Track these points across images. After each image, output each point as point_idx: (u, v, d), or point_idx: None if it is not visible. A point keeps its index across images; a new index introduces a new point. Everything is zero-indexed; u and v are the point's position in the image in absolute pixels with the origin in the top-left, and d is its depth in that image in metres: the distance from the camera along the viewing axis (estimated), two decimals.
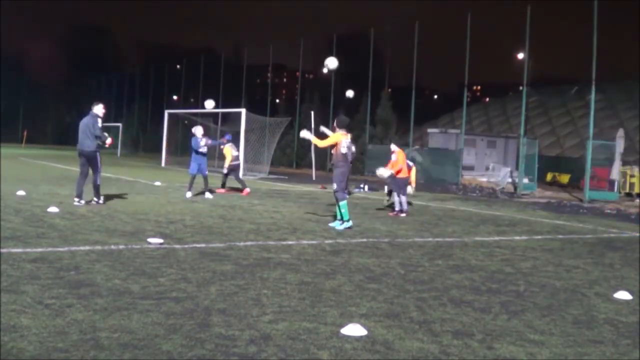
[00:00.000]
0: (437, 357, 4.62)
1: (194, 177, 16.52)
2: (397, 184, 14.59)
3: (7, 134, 67.51)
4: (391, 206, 15.14)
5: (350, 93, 15.25)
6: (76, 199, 13.10)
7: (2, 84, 74.94)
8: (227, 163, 18.05)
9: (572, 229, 14.10)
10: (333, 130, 12.02)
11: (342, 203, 11.57)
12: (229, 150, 18.13)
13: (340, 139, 11.64)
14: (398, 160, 14.48)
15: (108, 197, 15.23)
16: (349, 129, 11.98)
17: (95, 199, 13.31)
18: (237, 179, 18.61)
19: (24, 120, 75.93)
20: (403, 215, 14.31)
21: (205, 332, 4.89)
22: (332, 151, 11.89)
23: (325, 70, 12.83)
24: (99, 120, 13.08)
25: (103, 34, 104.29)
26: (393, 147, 14.77)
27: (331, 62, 12.84)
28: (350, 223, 11.60)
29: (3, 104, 75.11)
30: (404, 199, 14.52)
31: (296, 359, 4.42)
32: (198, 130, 16.48)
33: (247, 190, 18.08)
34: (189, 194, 16.26)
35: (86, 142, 13.01)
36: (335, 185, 11.70)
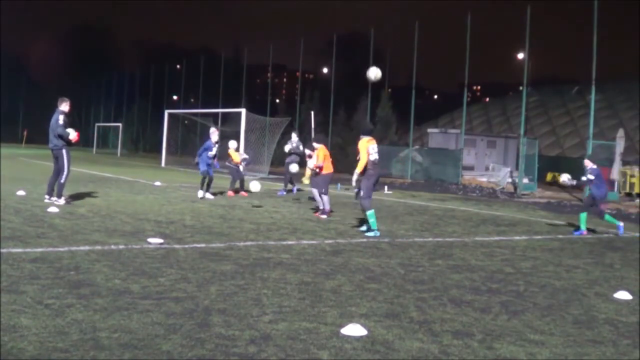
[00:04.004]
0: (437, 357, 4.62)
1: (204, 177, 16.26)
2: (317, 182, 13.67)
3: (7, 133, 67.51)
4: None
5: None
6: (46, 196, 13.17)
7: (2, 84, 74.94)
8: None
9: (572, 229, 14.09)
10: (358, 140, 11.52)
11: (370, 212, 11.03)
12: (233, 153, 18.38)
13: (368, 146, 11.15)
14: (319, 157, 13.61)
15: (108, 198, 15.24)
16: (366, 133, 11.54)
17: (55, 197, 13.03)
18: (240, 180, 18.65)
19: (24, 120, 75.91)
20: (324, 216, 13.29)
21: (205, 332, 4.89)
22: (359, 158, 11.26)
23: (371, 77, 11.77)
24: (61, 117, 12.94)
25: (103, 34, 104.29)
26: (315, 144, 13.99)
27: (373, 72, 11.84)
28: (378, 233, 10.95)
29: (3, 104, 75.13)
30: (325, 198, 13.47)
31: (296, 359, 4.42)
32: (214, 136, 16.46)
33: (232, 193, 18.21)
34: (200, 193, 16.15)
35: (53, 139, 13.06)
36: (362, 193, 11.09)
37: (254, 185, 14.92)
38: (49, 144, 13.20)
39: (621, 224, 13.19)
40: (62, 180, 13.06)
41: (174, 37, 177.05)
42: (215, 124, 42.16)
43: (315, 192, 13.76)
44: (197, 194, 16.45)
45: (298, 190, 19.82)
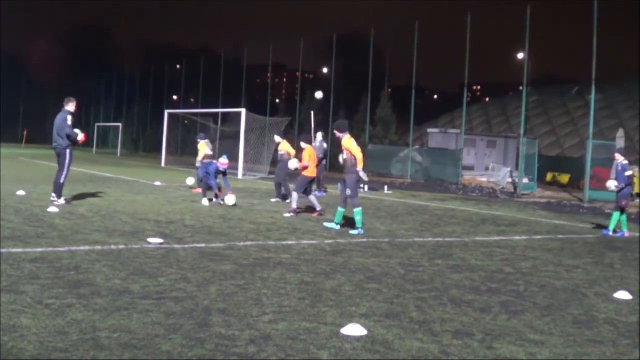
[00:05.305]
0: (437, 357, 4.62)
1: (207, 184, 15.44)
2: (301, 182, 13.29)
3: (7, 134, 67.55)
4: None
5: (319, 94, 15.07)
6: (53, 194, 13.13)
7: (2, 84, 74.97)
8: (199, 157, 18.36)
9: (572, 229, 14.10)
10: (336, 137, 11.72)
11: (359, 210, 11.18)
12: (204, 146, 18.45)
13: (353, 142, 11.32)
14: (304, 158, 13.58)
15: (108, 198, 15.24)
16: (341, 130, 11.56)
17: (54, 194, 13.00)
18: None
19: (24, 120, 75.97)
20: (288, 215, 13.19)
21: (205, 332, 4.89)
22: (345, 157, 11.34)
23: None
24: (69, 118, 12.91)
25: (103, 34, 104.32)
26: (303, 144, 13.95)
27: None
28: (362, 231, 11.11)
29: (3, 104, 75.16)
30: (295, 196, 13.29)
31: (296, 359, 4.42)
32: (222, 167, 15.12)
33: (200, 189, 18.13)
34: (205, 201, 15.14)
35: (57, 139, 13.03)
36: (350, 192, 11.22)
37: (230, 199, 14.45)
38: (53, 143, 13.18)
39: (610, 232, 12.85)
40: (61, 181, 13.03)
41: (174, 37, 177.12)
42: (216, 124, 42.17)
43: (294, 193, 13.43)
44: (201, 201, 15.10)
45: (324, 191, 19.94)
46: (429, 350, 4.75)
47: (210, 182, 15.05)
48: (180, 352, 4.41)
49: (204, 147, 18.44)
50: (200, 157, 18.34)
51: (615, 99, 40.10)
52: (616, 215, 12.91)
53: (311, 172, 13.49)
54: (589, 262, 9.35)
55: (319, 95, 14.48)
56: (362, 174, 11.39)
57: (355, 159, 11.21)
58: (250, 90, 60.97)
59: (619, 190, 12.91)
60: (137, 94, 68.10)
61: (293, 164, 14.16)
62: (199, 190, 17.66)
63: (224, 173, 15.15)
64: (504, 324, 5.61)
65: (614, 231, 13.00)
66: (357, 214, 11.20)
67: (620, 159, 13.06)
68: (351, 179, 11.29)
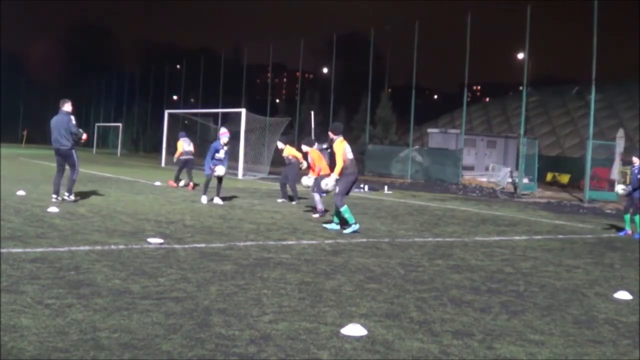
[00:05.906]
0: (437, 357, 4.62)
1: (208, 181, 15.37)
2: (319, 182, 13.07)
3: (7, 134, 67.56)
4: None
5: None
6: (54, 196, 13.26)
7: (2, 84, 74.98)
8: (177, 154, 20.28)
9: (572, 229, 14.10)
10: (330, 140, 11.85)
11: (344, 209, 11.19)
12: (180, 144, 20.01)
13: (344, 146, 11.41)
14: (314, 161, 13.74)
15: (108, 198, 15.24)
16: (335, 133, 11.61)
17: (66, 194, 13.31)
18: (188, 172, 20.00)
19: (24, 120, 75.98)
20: (316, 215, 13.34)
21: (205, 332, 4.89)
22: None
23: None
24: (72, 118, 13.20)
25: (103, 34, 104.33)
26: (304, 147, 14.08)
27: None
28: (357, 226, 11.13)
29: (3, 104, 75.16)
30: (317, 197, 13.38)
31: (296, 359, 4.42)
32: (224, 137, 15.33)
33: (192, 185, 19.49)
34: (204, 199, 15.21)
35: (61, 140, 13.16)
36: (337, 189, 11.33)
37: (220, 170, 14.95)
38: (54, 143, 13.29)
39: None
40: (74, 177, 13.32)
41: (174, 37, 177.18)
42: (216, 124, 42.18)
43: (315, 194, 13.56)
44: (200, 199, 15.27)
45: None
46: (429, 350, 4.75)
47: (207, 172, 15.17)
48: (180, 352, 4.41)
49: (181, 145, 20.01)
50: (177, 155, 20.30)
51: (615, 99, 40.11)
52: (638, 218, 12.85)
53: (325, 170, 13.67)
54: (589, 262, 9.35)
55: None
56: (325, 183, 11.57)
57: (345, 160, 11.29)
58: (250, 90, 61.05)
59: (629, 193, 12.84)
60: (137, 94, 68.11)
61: (309, 180, 13.83)
62: (174, 183, 19.53)
63: (227, 144, 15.46)
64: (504, 324, 5.61)
65: (620, 229, 13.02)
66: (345, 212, 11.21)
67: (637, 162, 12.94)
68: (343, 180, 11.33)
